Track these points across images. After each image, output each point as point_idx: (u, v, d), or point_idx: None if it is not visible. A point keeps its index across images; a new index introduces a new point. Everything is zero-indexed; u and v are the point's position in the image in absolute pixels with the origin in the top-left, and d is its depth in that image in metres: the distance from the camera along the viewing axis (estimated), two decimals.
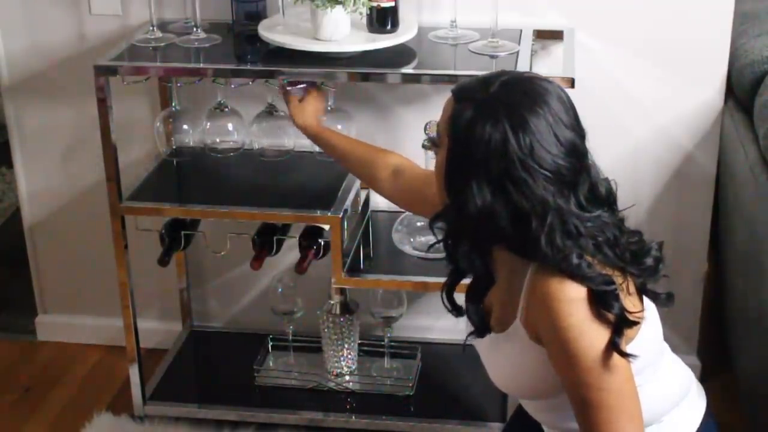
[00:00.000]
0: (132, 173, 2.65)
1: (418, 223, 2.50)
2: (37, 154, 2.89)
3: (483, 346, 1.74)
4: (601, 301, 1.50)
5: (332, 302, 2.67)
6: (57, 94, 2.81)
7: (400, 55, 2.40)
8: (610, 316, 1.51)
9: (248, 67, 2.43)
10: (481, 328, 1.70)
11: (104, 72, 2.38)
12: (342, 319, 2.67)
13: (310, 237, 2.57)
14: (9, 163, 3.07)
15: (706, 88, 2.60)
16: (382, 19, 2.38)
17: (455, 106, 1.57)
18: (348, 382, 2.73)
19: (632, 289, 1.58)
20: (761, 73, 2.52)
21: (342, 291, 2.65)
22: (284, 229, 2.64)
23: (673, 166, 2.68)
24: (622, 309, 1.51)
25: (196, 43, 2.49)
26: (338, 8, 2.29)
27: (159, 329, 3.00)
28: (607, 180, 1.61)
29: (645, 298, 1.63)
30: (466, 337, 1.76)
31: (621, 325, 1.51)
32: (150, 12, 2.51)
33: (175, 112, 2.68)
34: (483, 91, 1.54)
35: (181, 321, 3.00)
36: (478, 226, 1.55)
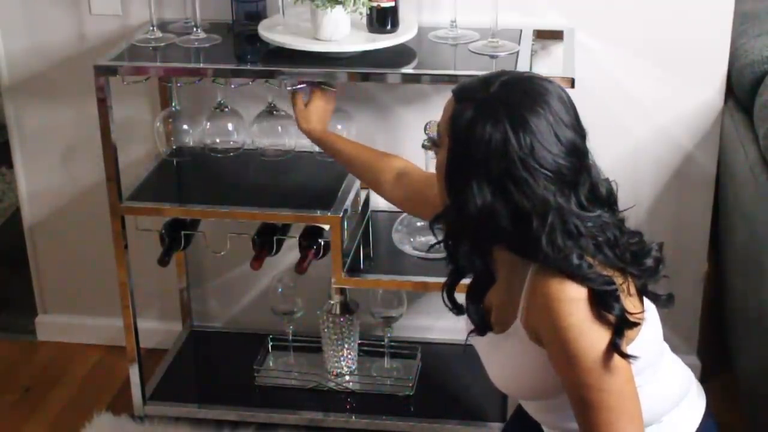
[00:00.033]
0: (132, 173, 2.65)
1: (418, 223, 2.50)
2: (37, 154, 2.89)
3: (483, 346, 1.74)
4: (602, 302, 1.50)
5: (332, 302, 2.67)
6: (57, 94, 2.81)
7: (400, 55, 2.40)
8: (611, 317, 1.50)
9: (248, 67, 2.43)
10: (481, 326, 1.70)
11: (104, 72, 2.38)
12: (342, 319, 2.67)
13: (310, 237, 2.57)
14: (9, 163, 3.07)
15: (706, 88, 2.60)
16: (382, 19, 2.38)
17: (456, 106, 1.57)
18: (348, 382, 2.73)
19: (632, 290, 1.58)
20: (761, 73, 2.52)
21: (342, 291, 2.65)
22: (284, 229, 2.64)
23: (673, 166, 2.69)
24: (623, 310, 1.51)
25: (196, 43, 2.49)
26: (338, 8, 2.29)
27: (159, 329, 3.00)
28: (607, 180, 1.61)
29: (645, 299, 1.63)
30: (467, 336, 1.76)
31: (621, 326, 1.51)
32: (150, 12, 2.51)
33: (175, 112, 2.68)
34: (483, 91, 1.54)
35: (181, 321, 3.00)
36: (478, 226, 1.55)
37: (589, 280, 1.50)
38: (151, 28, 2.52)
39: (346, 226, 2.45)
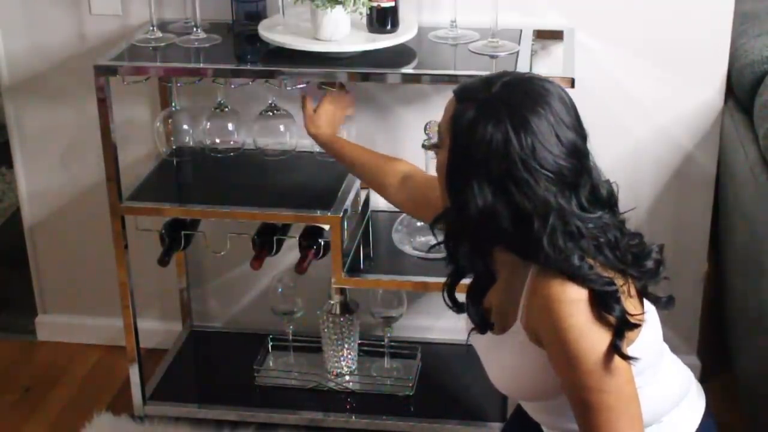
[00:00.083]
0: (132, 173, 2.65)
1: (418, 223, 2.50)
2: (37, 154, 2.89)
3: (483, 347, 1.74)
4: (602, 303, 1.50)
5: (332, 302, 2.67)
6: (57, 94, 2.81)
7: (400, 55, 2.40)
8: (611, 319, 1.50)
9: (248, 67, 2.43)
10: (482, 326, 1.70)
11: (104, 72, 2.38)
12: (342, 319, 2.67)
13: (310, 237, 2.57)
14: (9, 163, 3.07)
15: (706, 88, 2.60)
16: (382, 19, 2.38)
17: (457, 106, 1.57)
18: (348, 382, 2.74)
19: (633, 291, 1.58)
20: (761, 73, 2.52)
21: (342, 291, 2.65)
22: (284, 229, 2.64)
23: (673, 166, 2.69)
24: (623, 311, 1.51)
25: (196, 43, 2.49)
26: (338, 8, 2.29)
27: (159, 329, 3.00)
28: (608, 182, 1.61)
29: (645, 301, 1.63)
30: (468, 336, 1.76)
31: (622, 327, 1.51)
32: (150, 12, 2.51)
33: (175, 112, 2.68)
34: (485, 91, 1.54)
35: (181, 321, 3.00)
36: (479, 227, 1.55)
37: (589, 282, 1.50)
38: (151, 28, 2.52)
39: (346, 226, 2.45)
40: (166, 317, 3.02)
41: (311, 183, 2.59)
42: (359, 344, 2.75)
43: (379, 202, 2.64)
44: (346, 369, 2.74)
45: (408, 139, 2.64)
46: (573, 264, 1.50)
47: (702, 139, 2.65)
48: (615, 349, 1.50)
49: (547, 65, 2.55)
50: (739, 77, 2.59)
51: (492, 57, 2.37)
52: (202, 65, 2.42)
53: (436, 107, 2.21)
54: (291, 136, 2.65)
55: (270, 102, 2.63)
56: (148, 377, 2.74)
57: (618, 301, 1.51)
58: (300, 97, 2.39)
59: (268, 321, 2.85)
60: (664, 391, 1.70)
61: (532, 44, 2.45)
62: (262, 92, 2.64)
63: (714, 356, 2.84)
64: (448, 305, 1.76)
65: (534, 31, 2.52)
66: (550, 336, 1.52)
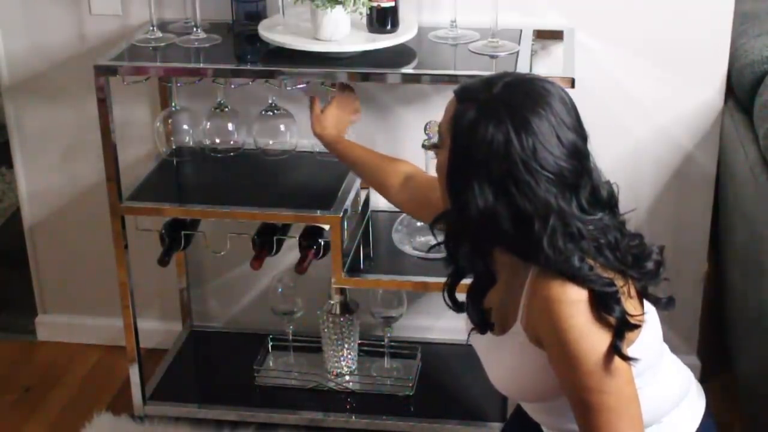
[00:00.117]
0: (132, 173, 2.65)
1: (418, 224, 2.50)
2: (37, 154, 2.89)
3: (483, 348, 1.74)
4: (603, 304, 1.50)
5: (332, 302, 2.67)
6: (57, 94, 2.81)
7: (400, 55, 2.40)
8: (611, 320, 1.50)
9: (248, 67, 2.43)
10: (482, 326, 1.70)
11: (104, 72, 2.38)
12: (342, 319, 2.67)
13: (310, 237, 2.57)
14: (9, 163, 3.07)
15: (706, 88, 2.60)
16: (382, 19, 2.38)
17: (458, 106, 1.57)
18: (348, 382, 2.74)
19: (633, 292, 1.58)
20: (761, 73, 2.52)
21: (342, 291, 2.65)
22: (284, 229, 2.64)
23: (673, 166, 2.69)
24: (624, 312, 1.51)
25: (196, 43, 2.49)
26: (338, 8, 2.29)
27: (159, 329, 3.00)
28: (608, 183, 1.60)
29: (645, 301, 1.63)
30: (468, 335, 1.76)
31: (622, 328, 1.51)
32: (150, 12, 2.51)
33: (175, 112, 2.68)
34: (486, 91, 1.54)
35: (181, 321, 3.00)
36: (479, 228, 1.54)
37: (590, 282, 1.50)
38: (151, 28, 2.52)
39: (346, 226, 2.45)
40: (166, 317, 3.02)
41: (311, 183, 2.59)
42: (359, 344, 2.75)
43: (379, 202, 2.65)
44: (346, 369, 2.74)
45: (408, 139, 2.64)
46: (573, 265, 1.50)
47: (702, 139, 2.65)
48: (615, 349, 1.50)
49: (547, 65, 2.56)
50: (739, 77, 2.59)
51: (492, 57, 2.37)
52: (202, 65, 2.42)
53: (436, 107, 2.22)
54: (291, 136, 2.65)
55: (270, 102, 2.63)
56: (148, 377, 2.74)
57: (618, 301, 1.51)
58: (308, 99, 2.40)
59: (268, 321, 2.85)
60: (664, 392, 1.70)
61: (532, 44, 2.45)
62: (262, 92, 2.64)
63: (714, 356, 2.84)
64: (448, 305, 1.76)
65: (534, 31, 2.52)
66: (550, 337, 1.52)
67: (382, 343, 2.77)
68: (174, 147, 2.70)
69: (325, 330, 2.69)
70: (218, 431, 2.66)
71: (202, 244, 2.72)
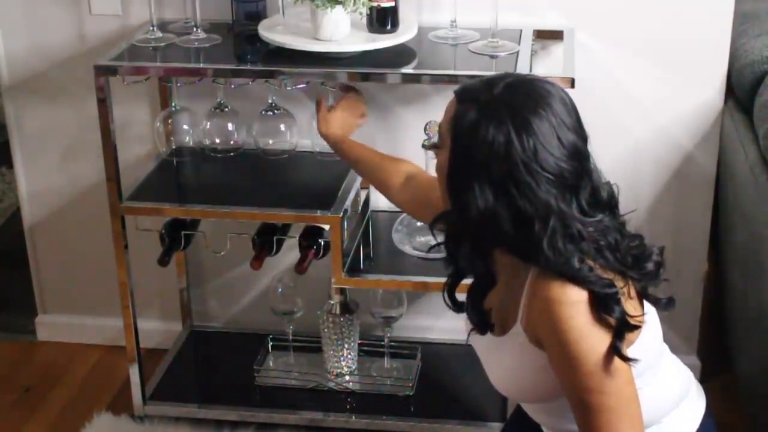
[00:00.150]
0: (132, 173, 2.65)
1: (418, 224, 2.50)
2: (37, 154, 2.89)
3: (483, 348, 1.74)
4: (603, 305, 1.50)
5: (332, 302, 2.67)
6: (57, 94, 2.81)
7: (400, 55, 2.40)
8: (611, 320, 1.50)
9: (248, 67, 2.43)
10: (482, 327, 1.70)
11: (104, 72, 2.38)
12: (342, 319, 2.67)
13: (310, 237, 2.57)
14: (9, 163, 3.07)
15: (706, 88, 2.60)
16: (382, 19, 2.38)
17: (458, 107, 1.56)
18: (348, 382, 2.73)
19: (633, 293, 1.58)
20: (761, 73, 2.52)
21: (342, 291, 2.65)
22: (284, 229, 2.64)
23: (673, 166, 2.69)
24: (623, 313, 1.51)
25: (196, 43, 2.49)
26: (338, 8, 2.29)
27: (159, 329, 3.00)
28: (608, 184, 1.60)
29: (645, 302, 1.63)
30: (468, 335, 1.76)
31: (622, 329, 1.51)
32: (150, 12, 2.51)
33: (175, 112, 2.68)
34: (487, 92, 1.54)
35: (181, 321, 3.00)
36: (479, 228, 1.54)
37: (589, 283, 1.50)
38: (151, 28, 2.52)
39: (346, 226, 2.45)
40: (166, 317, 3.02)
41: (311, 183, 2.59)
42: (359, 344, 2.75)
43: (379, 202, 2.65)
44: (346, 369, 2.74)
45: (408, 139, 2.64)
46: (573, 266, 1.50)
47: (702, 139, 2.65)
48: (615, 350, 1.50)
49: (547, 65, 2.56)
50: (739, 77, 2.59)
51: (492, 57, 2.37)
52: (202, 65, 2.42)
53: (436, 107, 2.22)
54: (291, 136, 2.65)
55: (270, 102, 2.63)
56: (148, 377, 2.74)
57: (618, 302, 1.51)
58: (314, 100, 2.41)
59: (268, 321, 2.85)
60: (664, 392, 1.70)
61: (532, 44, 2.45)
62: (262, 92, 2.64)
63: (714, 356, 2.84)
64: (448, 306, 1.76)
65: (534, 31, 2.52)
66: (550, 338, 1.52)
67: (382, 343, 2.77)
68: (174, 147, 2.70)
69: (325, 330, 2.69)
70: (218, 431, 2.66)
71: (202, 244, 2.72)
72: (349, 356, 2.73)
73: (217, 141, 2.68)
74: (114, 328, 2.85)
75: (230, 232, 2.63)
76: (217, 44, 2.49)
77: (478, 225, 1.53)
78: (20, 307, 3.21)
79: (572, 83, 2.21)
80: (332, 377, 2.73)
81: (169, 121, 2.67)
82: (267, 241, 2.59)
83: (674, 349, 1.80)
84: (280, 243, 2.62)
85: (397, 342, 2.80)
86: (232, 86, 2.64)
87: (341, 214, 2.41)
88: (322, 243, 2.55)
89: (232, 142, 2.68)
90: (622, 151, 2.66)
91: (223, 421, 2.67)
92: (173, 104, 2.67)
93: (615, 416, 1.51)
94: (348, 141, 2.34)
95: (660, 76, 2.59)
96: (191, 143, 2.71)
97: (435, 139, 2.24)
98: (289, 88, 2.60)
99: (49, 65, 2.78)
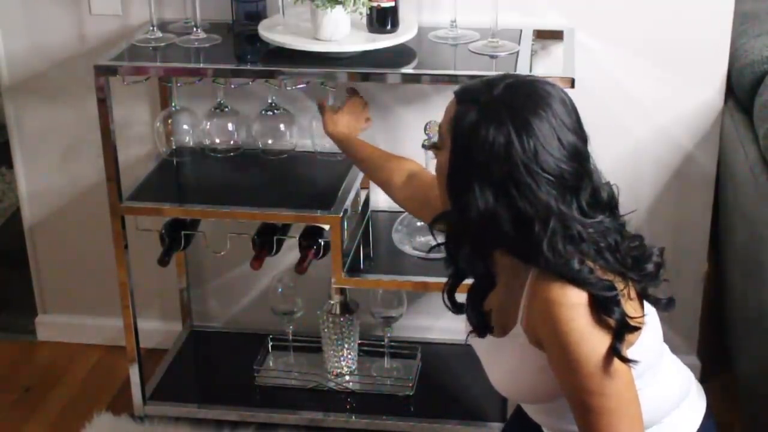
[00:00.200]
0: (132, 173, 2.65)
1: (418, 223, 2.50)
2: (37, 154, 2.89)
3: (483, 350, 1.74)
4: (602, 307, 1.50)
5: (332, 302, 2.67)
6: (57, 94, 2.81)
7: (400, 55, 2.40)
8: (611, 322, 1.50)
9: (248, 67, 2.43)
10: (481, 328, 1.70)
11: (104, 72, 2.38)
12: (342, 319, 2.67)
13: (310, 237, 2.57)
14: (9, 163, 3.07)
15: (706, 88, 2.60)
16: (382, 19, 2.38)
17: (458, 107, 1.56)
18: (348, 382, 2.73)
19: (633, 294, 1.58)
20: (761, 73, 2.52)
21: (342, 291, 2.65)
22: (284, 229, 2.64)
23: (673, 166, 2.68)
24: (623, 314, 1.51)
25: (196, 43, 2.49)
26: (338, 8, 2.29)
27: (159, 329, 3.00)
28: (608, 185, 1.60)
29: (646, 303, 1.63)
30: (467, 337, 1.76)
31: (622, 330, 1.51)
32: (150, 12, 2.51)
33: (175, 112, 2.68)
34: (487, 93, 1.54)
35: (181, 321, 3.00)
36: (479, 229, 1.54)
37: (589, 285, 1.50)
38: (151, 28, 2.52)
39: (346, 226, 2.45)
40: (166, 317, 3.02)
41: (311, 183, 2.59)
42: (359, 344, 2.75)
43: (379, 202, 2.65)
44: (346, 369, 2.74)
45: (408, 139, 2.64)
46: (573, 268, 1.50)
47: (702, 139, 2.65)
48: (615, 352, 1.50)
49: (547, 65, 2.56)
50: (739, 77, 2.59)
51: (492, 57, 2.37)
52: (202, 65, 2.42)
53: (436, 107, 2.22)
54: (291, 136, 2.65)
55: (270, 102, 2.63)
56: (148, 377, 2.74)
57: (618, 304, 1.51)
58: (317, 104, 2.44)
59: (268, 321, 2.85)
60: (665, 393, 1.70)
61: (532, 44, 2.45)
62: (262, 92, 2.64)
63: (714, 356, 2.84)
64: (447, 307, 1.76)
65: (534, 31, 2.52)
66: (550, 339, 1.52)
67: (382, 343, 2.77)
68: (174, 147, 2.70)
69: (325, 330, 2.69)
70: (218, 431, 2.66)
71: (202, 244, 2.72)
72: (349, 356, 2.73)
73: (217, 141, 2.68)
74: (114, 328, 2.84)
75: (230, 232, 2.63)
76: (217, 44, 2.49)
77: (478, 226, 1.53)
78: (20, 307, 3.21)
79: (572, 83, 2.21)
80: (332, 377, 2.73)
81: (169, 121, 2.67)
82: (267, 241, 2.59)
83: (674, 349, 1.80)
84: (280, 243, 2.62)
85: (397, 342, 2.80)
86: (232, 86, 2.64)
87: (341, 214, 2.41)
88: (322, 243, 2.55)
89: (232, 142, 2.68)
90: (622, 151, 2.66)
91: (223, 421, 2.67)
92: (173, 104, 2.67)
93: (615, 418, 1.51)
94: (354, 139, 2.36)
95: (660, 76, 2.59)
96: (191, 143, 2.71)
97: (435, 139, 2.24)
98: (289, 88, 2.60)
99: (49, 65, 2.78)
